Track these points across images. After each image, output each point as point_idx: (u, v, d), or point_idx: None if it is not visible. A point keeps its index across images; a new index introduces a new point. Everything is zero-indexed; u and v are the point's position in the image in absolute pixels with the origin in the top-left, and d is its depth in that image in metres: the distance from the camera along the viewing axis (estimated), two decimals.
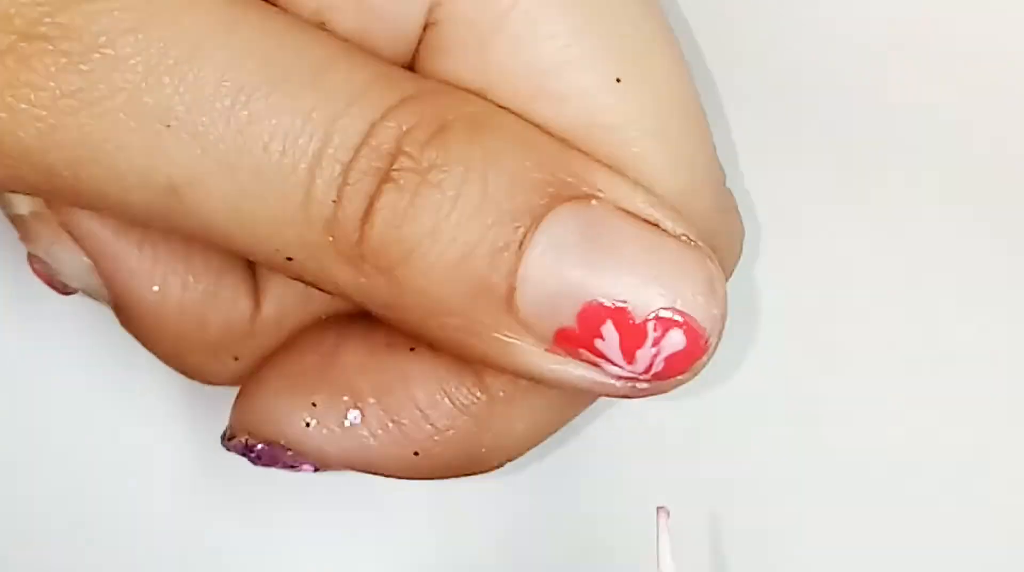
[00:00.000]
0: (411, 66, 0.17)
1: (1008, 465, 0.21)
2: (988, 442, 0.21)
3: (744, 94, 0.20)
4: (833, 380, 0.22)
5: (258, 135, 0.15)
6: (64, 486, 0.24)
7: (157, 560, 0.24)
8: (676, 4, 0.20)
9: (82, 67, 0.15)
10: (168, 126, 0.15)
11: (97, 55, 0.15)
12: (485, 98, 0.17)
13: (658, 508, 0.17)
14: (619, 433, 0.22)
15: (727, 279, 0.19)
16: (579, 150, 0.17)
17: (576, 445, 0.22)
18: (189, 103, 0.15)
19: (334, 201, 0.16)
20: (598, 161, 0.17)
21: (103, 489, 0.24)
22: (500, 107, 0.17)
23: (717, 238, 0.18)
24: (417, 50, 0.17)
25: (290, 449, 0.19)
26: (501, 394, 0.18)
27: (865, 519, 0.22)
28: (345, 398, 0.18)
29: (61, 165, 0.16)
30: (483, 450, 0.18)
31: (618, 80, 0.16)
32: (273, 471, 0.19)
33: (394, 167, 0.16)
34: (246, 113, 0.15)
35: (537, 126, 0.17)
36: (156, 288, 0.19)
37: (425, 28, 0.17)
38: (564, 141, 0.17)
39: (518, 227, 0.16)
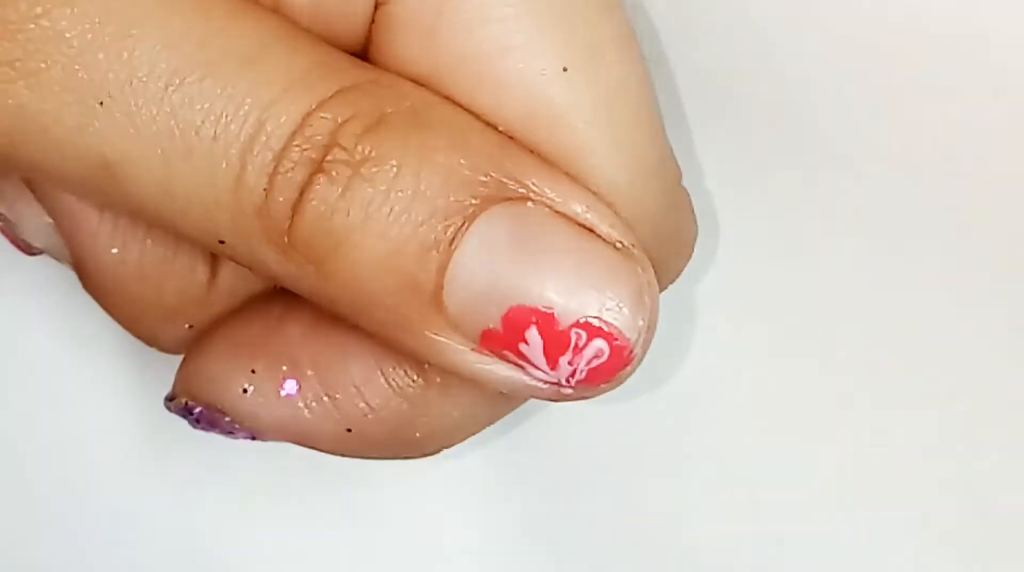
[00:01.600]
0: (365, 46, 0.17)
1: (958, 469, 0.20)
2: (943, 447, 0.20)
3: (710, 93, 0.19)
4: (790, 383, 0.21)
5: (190, 118, 0.15)
6: (14, 453, 0.24)
7: (103, 524, 0.24)
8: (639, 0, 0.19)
9: (19, 36, 0.14)
10: (102, 103, 0.15)
11: (33, 25, 0.14)
12: (432, 84, 0.16)
13: None
14: (558, 430, 0.22)
15: (673, 280, 0.19)
16: (522, 145, 0.16)
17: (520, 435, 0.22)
18: (123, 82, 0.15)
19: (265, 189, 0.15)
20: (539, 158, 0.16)
21: (51, 457, 0.24)
22: (443, 98, 0.16)
23: (665, 237, 0.17)
24: (370, 30, 0.16)
25: (227, 414, 0.18)
26: (438, 381, 0.17)
27: (818, 520, 0.21)
28: (284, 368, 0.18)
29: None
30: (417, 435, 0.18)
31: (565, 69, 0.16)
32: (224, 439, 0.19)
33: (327, 159, 0.15)
34: (179, 95, 0.15)
35: (482, 116, 0.16)
36: (115, 250, 0.18)
37: (377, 7, 0.16)
38: (508, 133, 0.16)
39: (448, 226, 0.15)
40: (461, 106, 0.16)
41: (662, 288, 0.18)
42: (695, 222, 0.18)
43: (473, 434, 0.18)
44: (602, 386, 0.16)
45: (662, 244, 0.17)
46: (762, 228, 0.20)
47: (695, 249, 0.18)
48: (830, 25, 0.18)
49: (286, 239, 0.15)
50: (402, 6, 0.16)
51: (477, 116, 0.16)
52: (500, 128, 0.16)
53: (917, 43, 0.18)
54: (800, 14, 0.18)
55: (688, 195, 0.18)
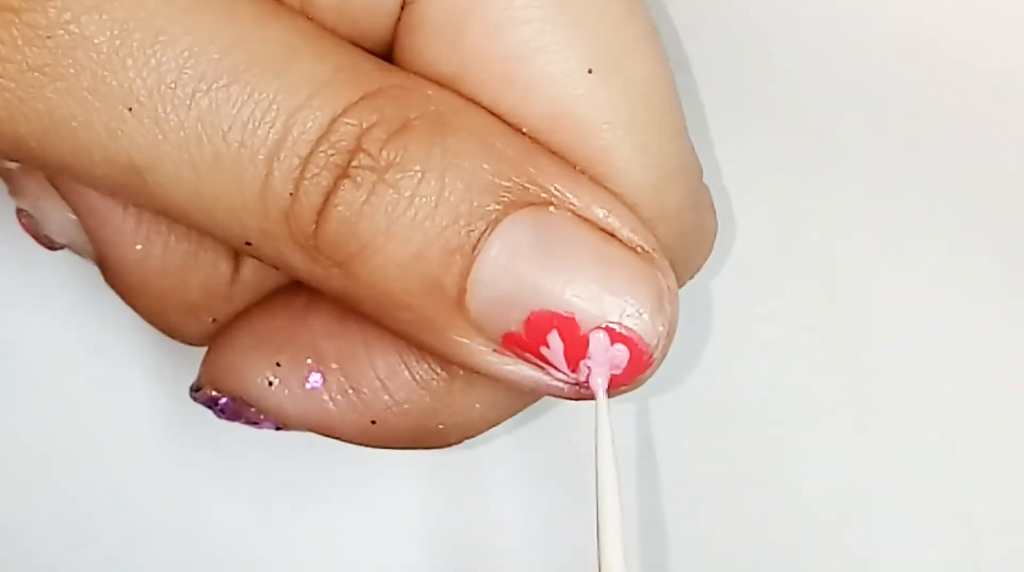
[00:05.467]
0: (390, 46, 0.16)
1: (962, 475, 0.20)
2: (951, 444, 0.20)
3: (729, 92, 0.19)
4: (805, 379, 0.21)
5: (218, 123, 0.15)
6: (39, 441, 0.24)
7: (125, 519, 0.24)
8: (660, 0, 0.18)
9: (48, 42, 0.14)
10: (130, 109, 0.15)
11: (62, 31, 0.14)
12: (457, 85, 0.16)
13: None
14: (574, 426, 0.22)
15: (693, 275, 0.18)
16: (546, 149, 0.16)
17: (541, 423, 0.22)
18: (151, 87, 0.14)
19: (291, 194, 0.15)
20: (563, 162, 0.16)
21: (74, 453, 0.23)
22: (468, 102, 0.16)
23: (686, 234, 0.17)
24: (396, 29, 0.16)
25: (253, 406, 0.18)
26: (461, 374, 0.17)
27: (833, 516, 0.21)
28: (309, 361, 0.18)
29: (29, 136, 0.15)
30: (440, 426, 0.18)
31: (590, 71, 0.15)
32: (246, 432, 0.19)
33: (352, 164, 0.15)
34: (207, 101, 0.14)
35: (507, 117, 0.16)
36: (139, 247, 0.18)
37: (403, 6, 0.16)
38: (533, 134, 0.16)
39: (472, 231, 0.15)
40: (486, 107, 0.16)
41: (682, 283, 0.18)
42: (715, 219, 0.18)
43: (495, 425, 0.18)
44: (621, 388, 0.16)
45: (683, 241, 0.17)
46: (779, 225, 0.20)
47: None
48: (849, 27, 0.18)
49: (312, 242, 0.15)
50: (429, 6, 0.15)
51: (502, 117, 0.16)
52: (525, 130, 0.16)
53: (931, 40, 0.18)
54: (820, 16, 0.18)
55: (709, 192, 0.18)
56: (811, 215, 0.20)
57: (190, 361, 0.19)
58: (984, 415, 0.19)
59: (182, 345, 0.19)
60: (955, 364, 0.20)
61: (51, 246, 0.19)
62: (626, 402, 0.18)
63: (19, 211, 0.19)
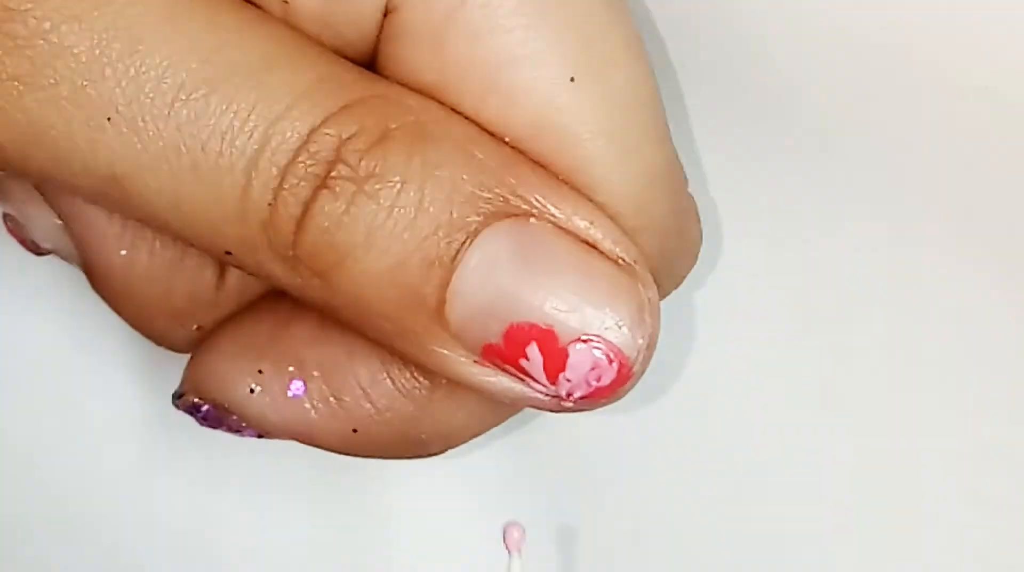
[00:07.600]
0: (373, 54, 0.16)
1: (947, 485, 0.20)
2: (941, 448, 0.20)
3: (715, 100, 0.19)
4: (791, 388, 0.21)
5: (196, 134, 0.15)
6: (32, 443, 0.24)
7: (112, 523, 0.24)
8: (643, 5, 0.18)
9: (27, 52, 0.14)
10: (109, 119, 0.15)
11: (41, 41, 0.14)
12: (439, 93, 0.16)
13: (507, 527, 0.16)
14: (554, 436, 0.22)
15: (678, 285, 0.18)
16: (528, 158, 0.16)
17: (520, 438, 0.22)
18: (130, 97, 0.14)
19: (270, 204, 0.15)
20: (544, 172, 0.16)
21: (60, 456, 0.24)
22: (449, 111, 0.16)
23: (670, 244, 0.17)
24: (379, 38, 0.16)
25: (234, 413, 0.18)
26: (443, 383, 0.17)
27: (819, 523, 0.21)
28: (291, 368, 0.18)
29: (9, 145, 0.15)
30: (422, 436, 0.18)
31: (572, 79, 0.15)
32: (231, 437, 0.19)
33: (331, 174, 0.15)
34: (186, 111, 0.15)
35: (489, 126, 0.16)
36: (124, 253, 0.18)
37: (386, 14, 0.16)
38: (515, 143, 0.16)
39: (451, 242, 0.15)
40: (468, 116, 0.16)
41: (666, 293, 0.18)
42: (700, 228, 0.18)
43: (478, 435, 0.18)
44: (601, 401, 0.16)
45: (668, 251, 0.17)
46: (765, 234, 0.20)
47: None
48: (838, 33, 0.18)
49: (291, 252, 0.15)
50: (411, 15, 0.15)
51: (484, 126, 0.16)
52: (507, 139, 0.16)
53: (920, 43, 0.18)
54: (809, 21, 0.18)
55: (694, 201, 0.18)
56: (800, 223, 0.20)
57: (184, 363, 0.19)
58: (978, 417, 0.19)
59: None
60: (946, 371, 0.20)
61: (37, 251, 0.19)
62: (609, 413, 0.18)
63: (5, 216, 0.19)
